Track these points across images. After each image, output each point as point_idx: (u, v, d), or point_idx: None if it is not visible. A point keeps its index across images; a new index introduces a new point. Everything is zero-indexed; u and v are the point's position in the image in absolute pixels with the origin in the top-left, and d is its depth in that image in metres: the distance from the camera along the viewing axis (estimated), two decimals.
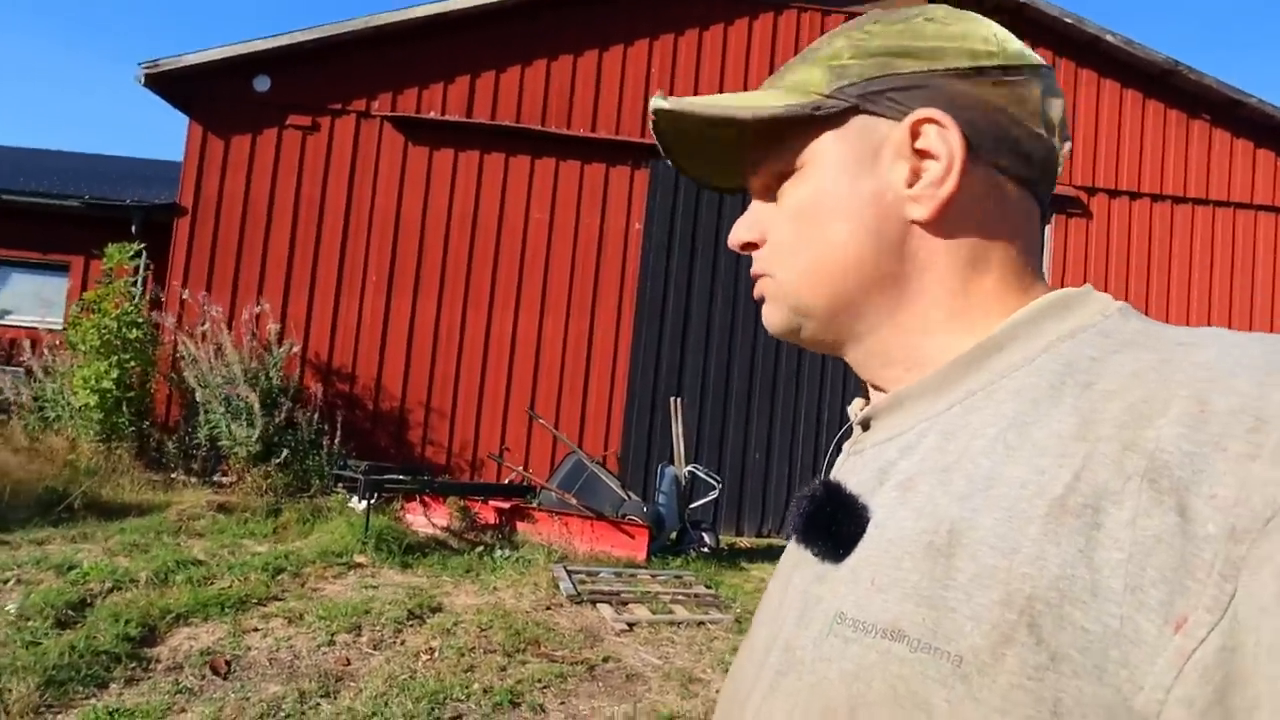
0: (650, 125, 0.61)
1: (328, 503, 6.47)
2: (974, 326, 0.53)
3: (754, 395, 8.15)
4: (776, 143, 0.57)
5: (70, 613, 3.92)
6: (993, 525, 0.42)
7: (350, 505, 6.54)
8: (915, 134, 0.53)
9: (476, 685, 3.66)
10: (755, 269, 0.61)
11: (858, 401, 0.64)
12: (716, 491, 6.86)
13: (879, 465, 0.53)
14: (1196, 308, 8.55)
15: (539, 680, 3.79)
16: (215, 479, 6.68)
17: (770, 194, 0.60)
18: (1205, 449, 0.37)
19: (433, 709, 3.39)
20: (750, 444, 8.15)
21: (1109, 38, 8.17)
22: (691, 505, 6.80)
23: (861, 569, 0.48)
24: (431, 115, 8.21)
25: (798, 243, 0.57)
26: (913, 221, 0.54)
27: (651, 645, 4.50)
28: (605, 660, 4.16)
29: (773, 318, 0.61)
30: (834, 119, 0.55)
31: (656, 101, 0.58)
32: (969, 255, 0.54)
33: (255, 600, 4.41)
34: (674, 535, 6.69)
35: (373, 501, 5.92)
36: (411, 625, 4.36)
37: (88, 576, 4.43)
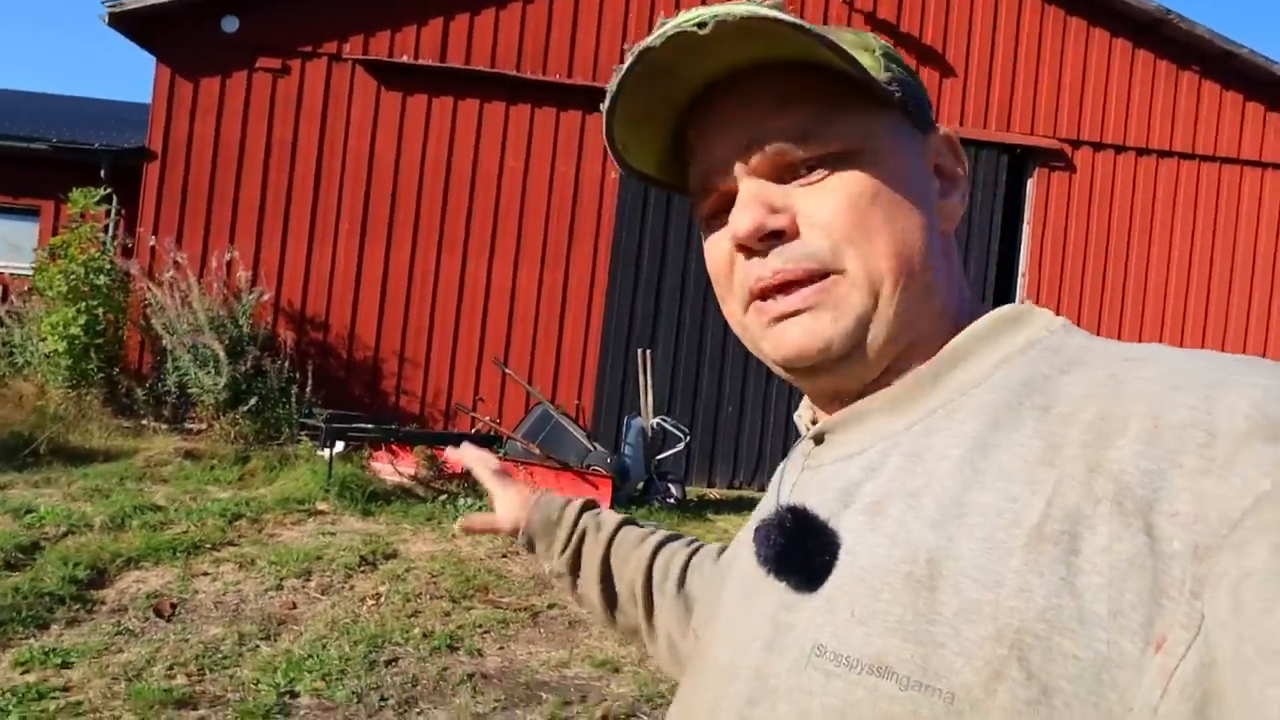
0: (647, 44, 0.48)
1: (296, 450, 6.52)
2: (948, 338, 0.54)
3: (728, 347, 8.13)
4: (830, 120, 0.51)
5: (20, 555, 3.97)
6: (972, 556, 0.42)
7: (319, 453, 6.59)
8: (938, 149, 0.56)
9: (417, 630, 3.73)
10: (796, 263, 0.51)
11: (805, 411, 0.62)
12: (684, 443, 6.89)
13: (841, 485, 0.52)
14: (1177, 265, 8.48)
15: (480, 626, 3.86)
16: (185, 426, 6.72)
17: (784, 178, 0.52)
18: (1163, 465, 0.39)
19: (370, 652, 3.46)
20: (724, 396, 8.17)
21: None
22: (659, 457, 6.84)
23: (838, 599, 0.47)
24: (404, 59, 8.04)
25: (873, 228, 0.51)
26: (940, 234, 0.55)
27: None
28: (550, 607, 4.23)
29: (827, 330, 0.51)
30: (891, 111, 0.53)
31: (753, 8, 0.46)
32: (960, 272, 0.57)
33: (209, 545, 4.47)
34: (640, 486, 6.75)
35: (335, 450, 5.95)
36: (363, 571, 4.43)
37: (43, 520, 4.49)
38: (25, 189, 8.38)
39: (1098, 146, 8.36)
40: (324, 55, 8.02)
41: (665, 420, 6.92)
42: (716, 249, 0.56)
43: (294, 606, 3.90)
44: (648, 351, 7.25)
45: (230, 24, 7.95)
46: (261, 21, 7.95)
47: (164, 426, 6.71)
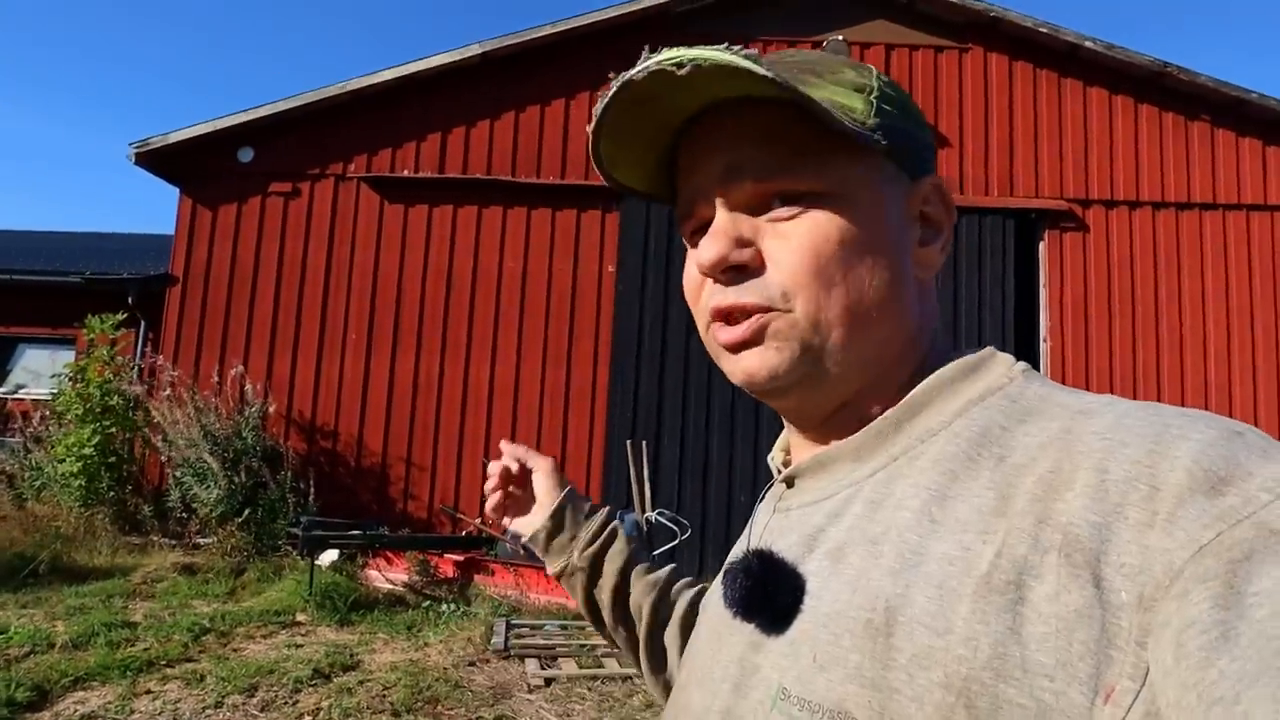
0: (631, 75, 0.50)
1: (291, 561, 6.51)
2: (912, 381, 0.54)
3: (736, 430, 7.90)
4: (805, 159, 0.52)
5: None
6: (925, 604, 0.43)
7: (318, 563, 6.56)
8: (926, 197, 0.56)
9: None
10: (750, 298, 0.53)
11: (778, 453, 0.65)
12: (682, 537, 6.62)
13: (807, 531, 0.54)
14: (1214, 317, 7.95)
15: None
16: (187, 541, 6.81)
17: (757, 210, 0.54)
18: (1109, 518, 0.39)
19: None
20: (735, 481, 7.89)
21: (1088, 44, 7.81)
22: (656, 552, 6.56)
23: (801, 644, 0.49)
24: (405, 173, 8.40)
25: (831, 277, 0.52)
26: (915, 280, 0.55)
27: (559, 702, 4.31)
28: (498, 719, 3.99)
29: (771, 360, 0.53)
30: (873, 156, 0.53)
31: (727, 58, 0.48)
32: (931, 319, 0.57)
33: (165, 661, 4.41)
34: None
35: (320, 558, 5.91)
36: (313, 685, 4.28)
37: (10, 641, 4.51)
38: (62, 319, 8.92)
39: (1110, 204, 8.05)
40: (330, 175, 8.46)
41: (663, 514, 6.68)
42: (691, 269, 0.58)
43: None
44: (642, 443, 7.08)
45: (245, 154, 8.49)
46: (274, 149, 8.47)
47: (169, 542, 6.81)
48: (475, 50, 8.24)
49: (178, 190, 8.43)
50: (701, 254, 0.54)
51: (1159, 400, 7.74)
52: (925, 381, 0.53)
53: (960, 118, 8.20)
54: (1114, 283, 8.01)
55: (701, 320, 0.57)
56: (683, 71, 0.48)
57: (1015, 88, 8.22)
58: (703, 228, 0.56)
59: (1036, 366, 7.93)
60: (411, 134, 8.44)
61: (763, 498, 0.65)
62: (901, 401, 0.53)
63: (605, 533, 0.92)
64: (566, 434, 8.03)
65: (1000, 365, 0.53)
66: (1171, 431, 0.41)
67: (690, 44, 0.52)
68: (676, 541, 6.61)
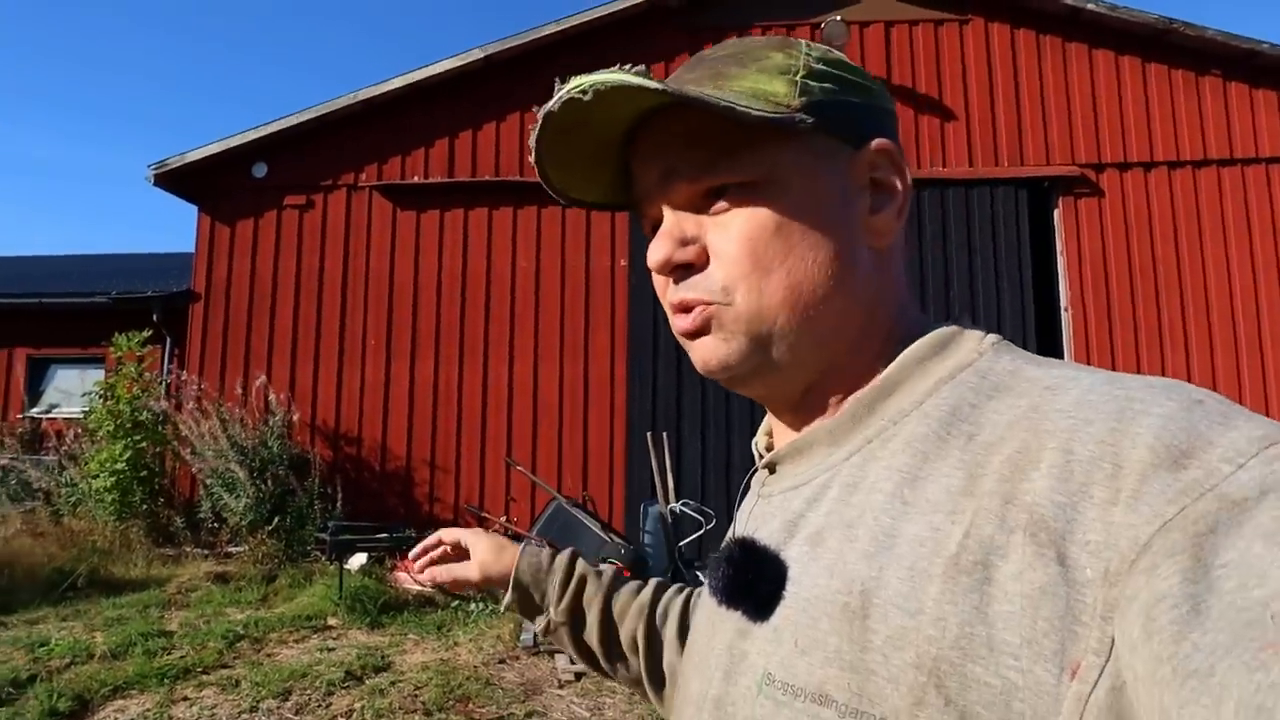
0: (558, 102, 0.52)
1: (321, 567, 6.60)
2: (887, 362, 0.55)
3: (756, 418, 7.88)
4: (733, 152, 0.53)
5: (12, 690, 4.08)
6: (898, 585, 0.44)
7: (347, 568, 6.65)
8: (874, 164, 0.55)
9: None
10: (694, 294, 0.55)
11: (762, 438, 0.65)
12: (707, 527, 6.62)
13: (787, 516, 0.55)
14: (1239, 274, 7.77)
15: None
16: (220, 550, 6.93)
17: (699, 208, 0.55)
18: (1075, 498, 0.40)
19: None
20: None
21: (1089, 6, 7.67)
22: (681, 544, 6.58)
23: (784, 629, 0.50)
24: (415, 180, 8.47)
25: (769, 264, 0.53)
26: (870, 250, 0.55)
27: (590, 696, 4.34)
28: (528, 715, 4.03)
29: (720, 350, 0.55)
30: (804, 136, 0.53)
31: (623, 78, 0.50)
32: (896, 289, 0.57)
33: (201, 668, 4.50)
34: (669, 575, 6.48)
35: (349, 562, 5.99)
36: (346, 687, 4.35)
37: (52, 653, 4.63)
38: (91, 339, 9.12)
39: (1123, 167, 7.91)
40: (343, 186, 8.55)
41: (687, 504, 6.68)
42: None
43: None
44: (663, 434, 7.09)
45: (260, 170, 8.61)
46: (287, 163, 8.58)
47: (202, 552, 6.94)
48: (478, 54, 8.28)
49: (196, 209, 8.58)
50: (649, 257, 0.56)
51: (1188, 364, 7.60)
52: (896, 361, 0.54)
53: (965, 90, 8.10)
54: (1133, 247, 7.87)
55: (668, 312, 0.59)
56: (587, 98, 0.51)
57: (1019, 56, 8.10)
58: (657, 227, 0.58)
59: (1060, 338, 7.83)
60: (420, 140, 8.51)
61: (748, 483, 0.66)
62: (873, 383, 0.54)
63: (574, 580, 0.91)
64: (587, 428, 8.06)
65: (970, 340, 0.54)
66: (1134, 406, 0.42)
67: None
68: (701, 531, 6.61)
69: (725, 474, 7.88)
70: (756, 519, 0.58)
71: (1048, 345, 7.80)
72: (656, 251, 0.55)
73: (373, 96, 8.40)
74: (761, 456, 0.63)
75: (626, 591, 0.91)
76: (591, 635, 0.88)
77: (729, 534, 0.62)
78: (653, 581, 0.92)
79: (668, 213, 0.56)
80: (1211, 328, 7.75)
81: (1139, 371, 7.59)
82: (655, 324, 8.13)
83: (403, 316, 8.34)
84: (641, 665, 0.87)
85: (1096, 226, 7.91)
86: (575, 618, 0.89)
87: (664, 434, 7.13)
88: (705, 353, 0.56)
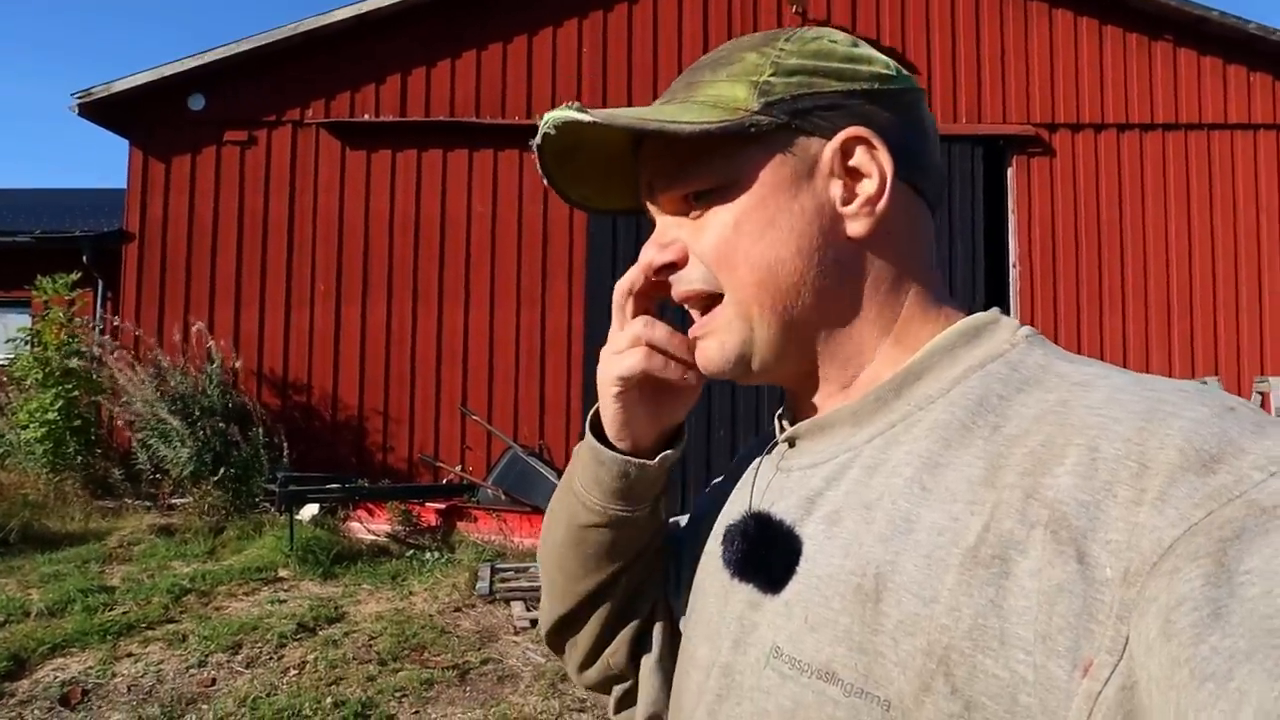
0: (539, 141, 0.57)
1: (270, 518, 6.46)
2: (903, 347, 0.55)
3: None
4: (698, 160, 0.56)
5: None
6: (914, 571, 0.45)
7: (298, 518, 6.52)
8: (846, 152, 0.55)
9: (329, 699, 3.55)
10: (684, 288, 0.58)
11: (787, 410, 0.65)
12: None
13: (805, 493, 0.55)
14: (1176, 238, 8.00)
15: (401, 689, 3.68)
16: (164, 502, 6.72)
17: (684, 213, 0.58)
18: (1099, 496, 0.39)
19: None
20: (714, 419, 7.91)
21: None
22: None
23: (795, 605, 0.50)
24: (365, 118, 8.13)
25: (735, 261, 0.55)
26: (850, 239, 0.55)
27: (544, 643, 4.35)
28: (484, 663, 4.03)
29: (715, 354, 0.57)
30: (764, 136, 0.54)
31: (569, 114, 0.54)
32: (897, 274, 0.56)
33: (145, 624, 4.39)
34: None
35: (300, 513, 5.87)
36: (298, 639, 4.28)
37: None
38: (13, 282, 8.63)
39: (1075, 128, 7.99)
40: (288, 123, 8.15)
41: None
42: None
43: (212, 683, 3.77)
44: None
45: (197, 102, 8.14)
46: (226, 96, 8.13)
47: (144, 504, 6.72)
48: None
49: (127, 143, 8.10)
50: (639, 260, 0.60)
51: (1124, 323, 7.83)
52: (926, 346, 0.54)
53: (928, 45, 8.04)
54: (1080, 207, 8.00)
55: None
56: (555, 133, 0.56)
57: (982, 13, 8.05)
58: None
59: (1007, 293, 7.97)
60: (370, 76, 8.13)
61: (758, 451, 0.66)
62: (902, 367, 0.54)
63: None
64: (544, 377, 7.98)
65: (1004, 331, 0.53)
66: (1164, 408, 0.41)
67: None
68: None
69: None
70: (774, 492, 0.59)
71: (995, 300, 7.94)
72: (642, 256, 0.59)
73: (319, 27, 7.96)
74: (783, 429, 0.62)
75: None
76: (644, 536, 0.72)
77: (739, 504, 0.61)
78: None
79: (659, 219, 0.60)
80: (1148, 289, 7.98)
81: (1077, 325, 7.87)
82: (614, 273, 8.02)
83: (353, 260, 8.07)
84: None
85: (1047, 186, 8.01)
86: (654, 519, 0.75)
87: None
88: (704, 357, 0.58)
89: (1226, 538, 0.35)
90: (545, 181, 0.61)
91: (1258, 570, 0.34)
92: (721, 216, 0.55)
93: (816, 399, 0.58)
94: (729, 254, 0.55)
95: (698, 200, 0.57)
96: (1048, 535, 0.40)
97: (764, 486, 0.61)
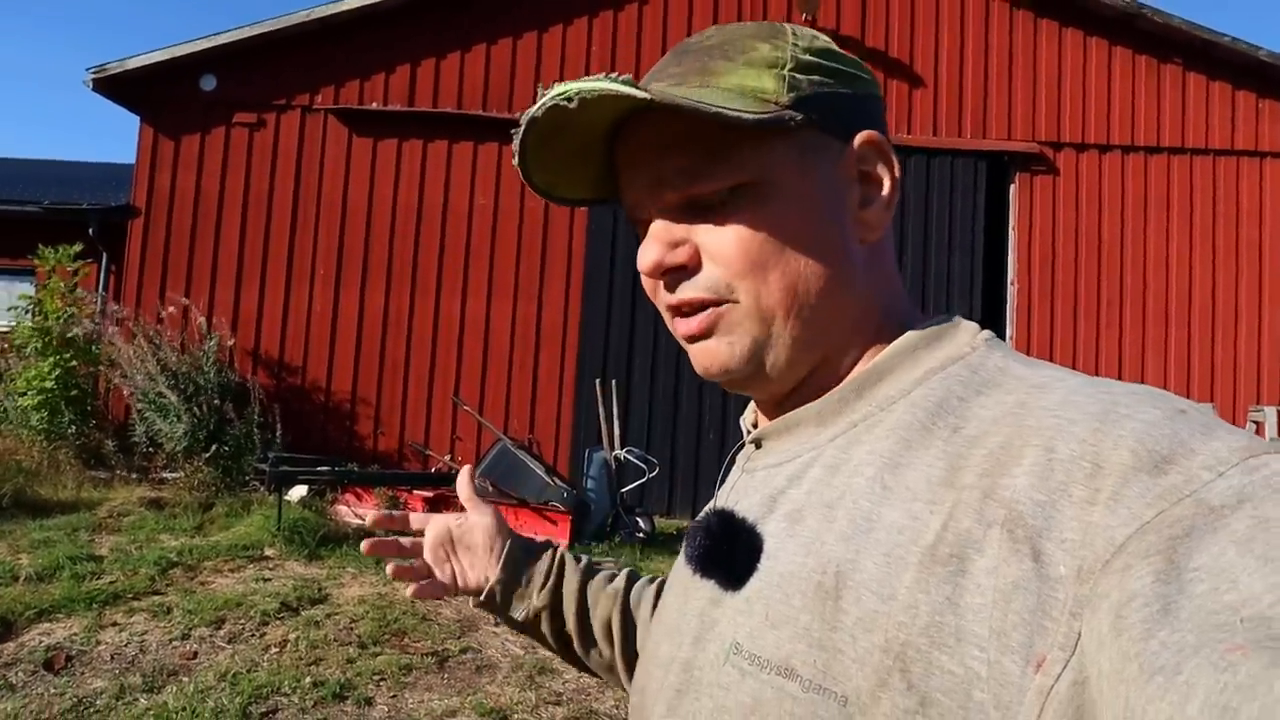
0: (538, 112, 0.51)
1: (260, 496, 6.52)
2: (873, 349, 0.55)
3: None
4: (727, 154, 0.52)
5: None
6: (873, 569, 0.45)
7: (287, 498, 6.59)
8: (862, 156, 0.55)
9: (309, 679, 3.62)
10: (697, 293, 0.54)
11: (750, 414, 0.65)
12: (649, 476, 6.71)
13: (769, 491, 0.55)
14: (1177, 261, 8.05)
15: (379, 673, 3.74)
16: (155, 475, 6.79)
17: (691, 210, 0.54)
18: (1054, 496, 0.40)
19: (250, 704, 3.36)
20: (705, 423, 7.98)
21: None
22: (624, 490, 6.67)
23: (756, 601, 0.50)
24: (374, 106, 8.19)
25: (765, 264, 0.52)
26: (862, 243, 0.55)
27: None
28: (464, 651, 4.09)
29: (723, 354, 0.55)
30: (794, 132, 0.52)
31: (608, 86, 0.48)
32: (885, 279, 0.57)
33: (131, 594, 4.45)
34: (610, 520, 6.58)
35: (289, 493, 5.94)
36: (280, 618, 4.34)
37: None
38: (20, 250, 8.70)
39: (1080, 148, 8.05)
40: (297, 107, 8.21)
41: (631, 452, 6.76)
42: None
43: (194, 656, 3.83)
44: (612, 382, 7.12)
45: (208, 83, 8.21)
46: (238, 79, 8.19)
47: (135, 476, 6.79)
48: None
49: (138, 119, 8.16)
50: (639, 261, 0.56)
51: (1120, 341, 7.88)
52: (888, 348, 0.54)
53: (936, 59, 8.09)
54: (1081, 226, 8.05)
55: (664, 314, 0.59)
56: (573, 105, 0.50)
57: (991, 29, 8.11)
58: (647, 227, 0.58)
59: (1004, 309, 8.02)
60: (380, 65, 8.19)
61: (733, 457, 0.67)
62: (866, 369, 0.54)
63: (555, 565, 0.89)
64: (537, 371, 8.04)
65: (964, 334, 0.54)
66: (1118, 410, 0.42)
67: None
68: (645, 479, 6.71)
69: (672, 424, 7.97)
70: (738, 492, 0.59)
71: (991, 316, 8.00)
72: (647, 255, 0.55)
73: (331, 15, 8.03)
74: (748, 432, 0.63)
75: (600, 577, 0.90)
76: (570, 618, 0.87)
77: (709, 505, 0.63)
78: (625, 570, 0.93)
79: (657, 219, 0.56)
80: (1145, 312, 8.03)
81: (1073, 347, 7.91)
82: (612, 269, 8.09)
83: (354, 246, 8.13)
84: (616, 650, 0.86)
85: (1049, 204, 8.07)
86: (555, 603, 0.87)
87: (613, 381, 7.15)
88: (707, 358, 0.56)
89: (1176, 536, 0.36)
90: (515, 161, 0.57)
91: (1206, 567, 0.35)
92: (749, 217, 0.52)
93: (790, 402, 0.58)
94: (757, 256, 0.52)
95: (715, 197, 0.53)
96: (1004, 534, 0.41)
97: (730, 487, 0.62)
